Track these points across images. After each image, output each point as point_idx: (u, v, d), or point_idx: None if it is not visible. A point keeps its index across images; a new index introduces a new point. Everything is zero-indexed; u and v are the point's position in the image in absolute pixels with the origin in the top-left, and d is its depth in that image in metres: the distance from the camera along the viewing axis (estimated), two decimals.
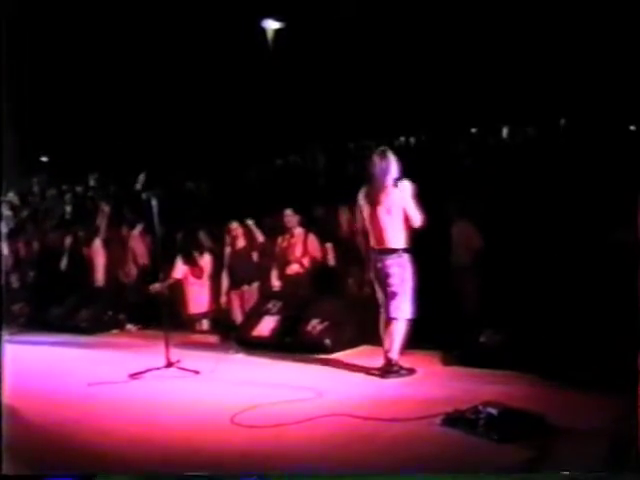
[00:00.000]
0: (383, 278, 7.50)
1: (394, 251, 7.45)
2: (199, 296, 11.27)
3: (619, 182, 8.53)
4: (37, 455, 5.55)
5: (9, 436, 5.72)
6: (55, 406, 6.81)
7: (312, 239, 10.51)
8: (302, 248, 10.51)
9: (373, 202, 7.51)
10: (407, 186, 7.44)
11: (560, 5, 13.09)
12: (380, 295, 7.59)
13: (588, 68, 12.74)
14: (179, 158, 15.86)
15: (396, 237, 7.46)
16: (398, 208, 7.42)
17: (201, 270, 11.23)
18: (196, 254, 11.27)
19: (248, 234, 11.03)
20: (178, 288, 11.18)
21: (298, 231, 10.58)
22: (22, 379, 7.66)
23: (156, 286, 10.15)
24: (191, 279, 11.23)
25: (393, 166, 7.49)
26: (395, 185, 7.43)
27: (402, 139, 14.56)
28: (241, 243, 11.03)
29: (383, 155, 7.56)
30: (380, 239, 7.50)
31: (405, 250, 7.48)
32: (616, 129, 10.28)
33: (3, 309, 11.11)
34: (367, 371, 7.66)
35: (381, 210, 7.47)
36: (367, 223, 7.59)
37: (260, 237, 11.04)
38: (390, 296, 7.46)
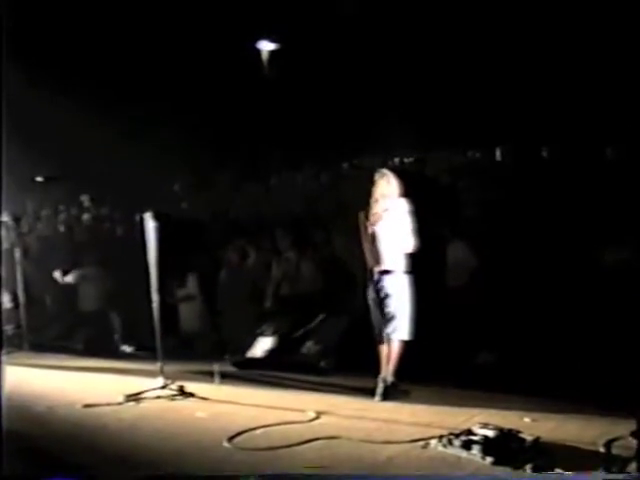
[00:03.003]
0: (382, 299, 7.52)
1: (393, 272, 7.49)
2: (194, 316, 11.28)
3: (618, 201, 8.57)
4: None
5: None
6: (51, 427, 6.78)
7: (305, 261, 10.53)
8: (296, 270, 10.54)
9: (373, 223, 7.55)
10: (406, 208, 7.51)
11: (560, 22, 13.16)
12: (377, 316, 7.60)
13: (584, 86, 12.78)
14: (173, 178, 15.86)
15: (395, 259, 7.49)
16: (397, 230, 7.47)
17: (197, 290, 11.28)
18: (190, 275, 11.33)
19: (242, 254, 11.04)
20: (174, 309, 11.20)
21: (291, 253, 10.61)
22: (17, 400, 7.67)
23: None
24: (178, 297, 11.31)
25: (395, 188, 7.54)
26: (396, 207, 7.50)
27: (397, 160, 14.57)
28: (235, 264, 11.04)
29: (385, 176, 7.62)
30: (379, 260, 7.53)
31: (405, 272, 7.52)
32: (615, 147, 10.29)
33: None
34: (362, 393, 7.67)
35: (381, 232, 7.51)
36: (367, 244, 7.62)
37: (252, 254, 11.00)
38: (388, 317, 7.48)
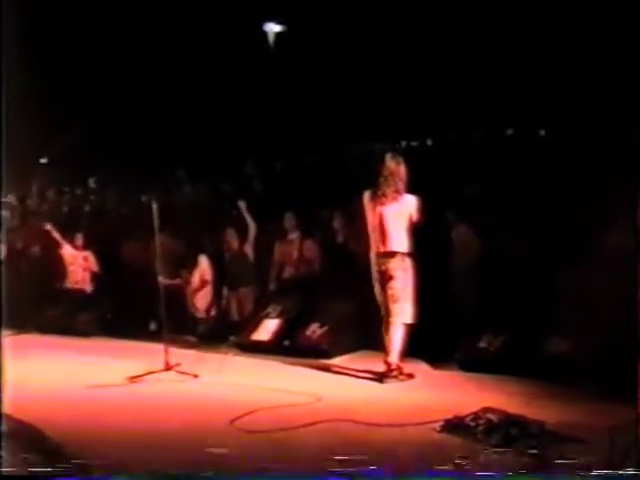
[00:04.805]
0: (386, 281, 7.50)
1: (398, 254, 7.46)
2: (200, 299, 11.25)
3: (619, 186, 8.51)
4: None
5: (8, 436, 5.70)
6: (54, 409, 6.76)
7: (309, 243, 10.51)
8: (299, 252, 10.50)
9: (380, 205, 7.52)
10: (412, 197, 7.51)
11: (564, 9, 13.10)
12: (381, 299, 7.59)
13: (590, 70, 12.73)
14: (179, 162, 15.81)
15: (400, 241, 7.47)
16: (404, 212, 7.45)
17: (202, 273, 11.25)
18: (200, 257, 11.30)
19: (243, 237, 10.94)
20: (179, 291, 11.20)
21: (295, 235, 10.57)
22: (20, 382, 7.66)
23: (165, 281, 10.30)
24: (193, 282, 11.26)
25: (403, 170, 7.52)
26: (402, 189, 7.48)
27: (404, 143, 14.54)
28: (236, 246, 10.97)
29: (394, 159, 7.59)
30: (384, 242, 7.51)
31: (408, 254, 7.50)
32: (617, 132, 10.24)
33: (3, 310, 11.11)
34: (367, 376, 7.67)
35: (387, 213, 7.48)
36: (372, 226, 7.60)
37: (252, 226, 10.91)
38: (392, 299, 7.46)
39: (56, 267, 12.94)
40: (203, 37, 17.48)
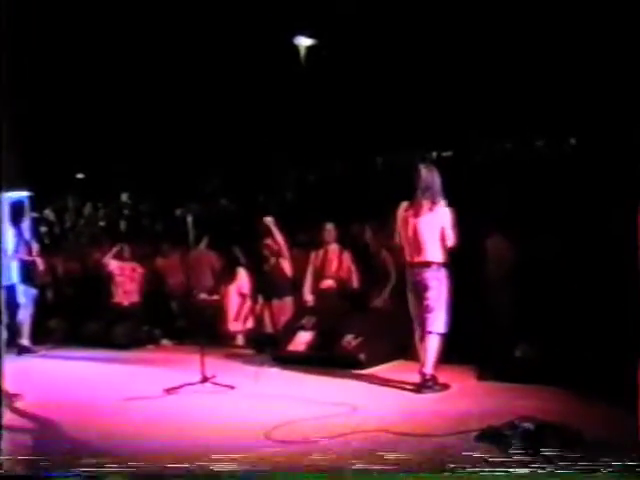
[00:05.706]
0: (420, 291, 7.50)
1: (432, 264, 7.46)
2: (237, 311, 11.30)
3: None
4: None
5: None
6: (90, 421, 6.83)
7: (347, 255, 10.50)
8: (337, 263, 10.50)
9: (415, 215, 7.53)
10: (446, 209, 7.50)
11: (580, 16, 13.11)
12: (416, 309, 7.58)
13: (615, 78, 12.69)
14: (213, 175, 15.93)
15: (435, 251, 7.47)
16: (438, 223, 7.44)
17: (240, 286, 11.31)
18: (238, 270, 11.35)
19: (277, 247, 10.94)
20: (216, 303, 11.28)
21: (334, 246, 10.57)
22: (58, 394, 7.75)
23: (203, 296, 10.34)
24: (231, 295, 11.31)
25: (438, 181, 7.52)
26: (438, 199, 7.47)
27: (435, 153, 14.55)
28: (271, 258, 11.00)
29: (428, 169, 7.60)
30: (419, 252, 7.51)
31: (442, 264, 7.49)
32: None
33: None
34: (402, 386, 7.66)
35: (422, 224, 7.48)
36: (406, 236, 7.60)
37: (280, 238, 10.93)
38: (426, 310, 7.45)
39: (98, 280, 13.01)
40: (236, 52, 17.62)
